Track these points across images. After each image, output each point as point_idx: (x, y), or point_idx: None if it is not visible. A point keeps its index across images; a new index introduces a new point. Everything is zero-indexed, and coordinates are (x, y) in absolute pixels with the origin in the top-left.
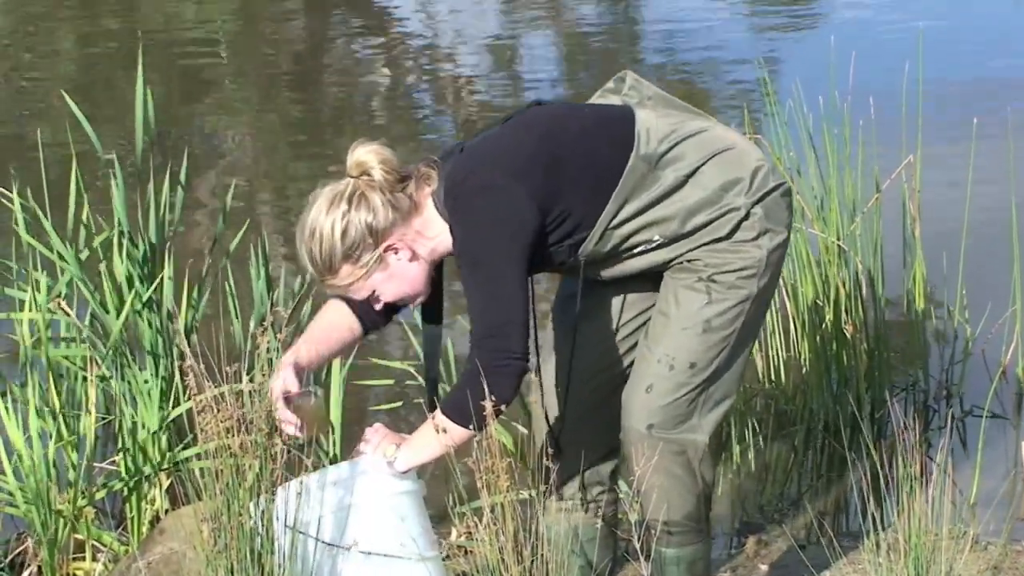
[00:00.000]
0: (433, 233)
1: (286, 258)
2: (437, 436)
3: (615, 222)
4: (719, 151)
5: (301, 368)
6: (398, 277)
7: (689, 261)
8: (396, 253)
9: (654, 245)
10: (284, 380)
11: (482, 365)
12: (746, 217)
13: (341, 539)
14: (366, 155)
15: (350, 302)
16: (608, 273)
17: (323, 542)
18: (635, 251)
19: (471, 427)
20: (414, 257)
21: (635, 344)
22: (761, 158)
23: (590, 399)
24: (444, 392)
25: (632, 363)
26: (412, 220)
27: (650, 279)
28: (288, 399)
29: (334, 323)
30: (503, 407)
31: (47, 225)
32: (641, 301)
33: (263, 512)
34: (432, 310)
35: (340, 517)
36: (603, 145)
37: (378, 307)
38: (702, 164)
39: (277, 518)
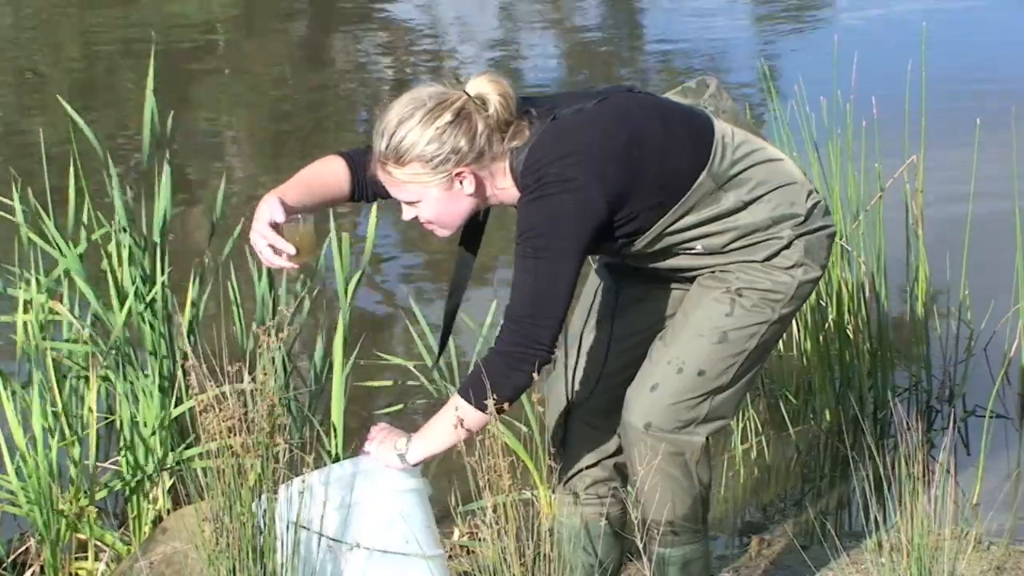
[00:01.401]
0: (502, 185)
1: None
2: (453, 422)
3: (669, 229)
4: (782, 184)
5: (288, 204)
6: (449, 202)
7: (722, 271)
8: (463, 181)
9: (693, 252)
10: (271, 208)
11: (509, 349)
12: (787, 246)
13: (345, 537)
14: (489, 86)
15: (351, 162)
16: (640, 264)
17: (327, 537)
18: (675, 256)
19: (489, 411)
20: (475, 193)
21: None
22: (819, 197)
23: (610, 395)
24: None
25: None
26: (495, 164)
27: (682, 284)
28: (276, 226)
29: (327, 173)
30: (517, 394)
31: (49, 223)
32: (670, 306)
33: (265, 511)
34: (472, 240)
35: (345, 515)
36: (681, 153)
37: (408, 217)
38: (764, 194)
39: (280, 516)
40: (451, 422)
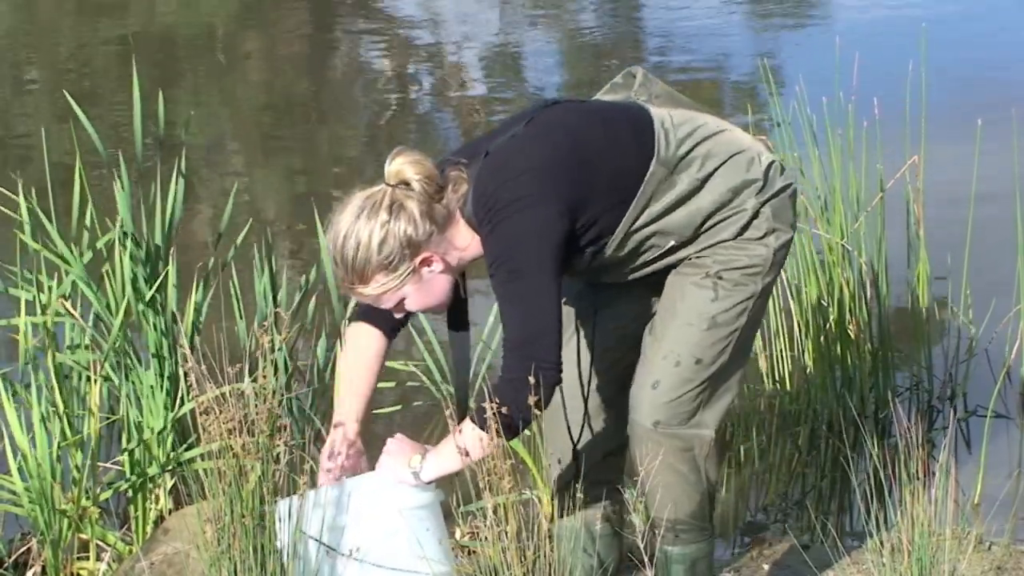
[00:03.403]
0: (463, 243)
1: (289, 256)
2: (468, 444)
3: (635, 226)
4: (733, 154)
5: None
6: (428, 290)
7: (697, 257)
8: (430, 265)
9: (667, 248)
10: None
11: (514, 375)
12: (754, 216)
13: (355, 551)
14: (405, 166)
15: (369, 317)
16: (617, 279)
17: (335, 551)
18: (648, 255)
19: (503, 435)
20: (445, 268)
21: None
22: (772, 159)
23: (605, 394)
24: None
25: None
26: (447, 231)
27: (657, 277)
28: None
29: (365, 352)
30: (531, 417)
31: (50, 227)
32: (652, 292)
33: (264, 516)
34: (457, 316)
35: (356, 530)
36: (626, 150)
37: (399, 316)
38: (716, 168)
39: (289, 528)
40: (466, 444)
